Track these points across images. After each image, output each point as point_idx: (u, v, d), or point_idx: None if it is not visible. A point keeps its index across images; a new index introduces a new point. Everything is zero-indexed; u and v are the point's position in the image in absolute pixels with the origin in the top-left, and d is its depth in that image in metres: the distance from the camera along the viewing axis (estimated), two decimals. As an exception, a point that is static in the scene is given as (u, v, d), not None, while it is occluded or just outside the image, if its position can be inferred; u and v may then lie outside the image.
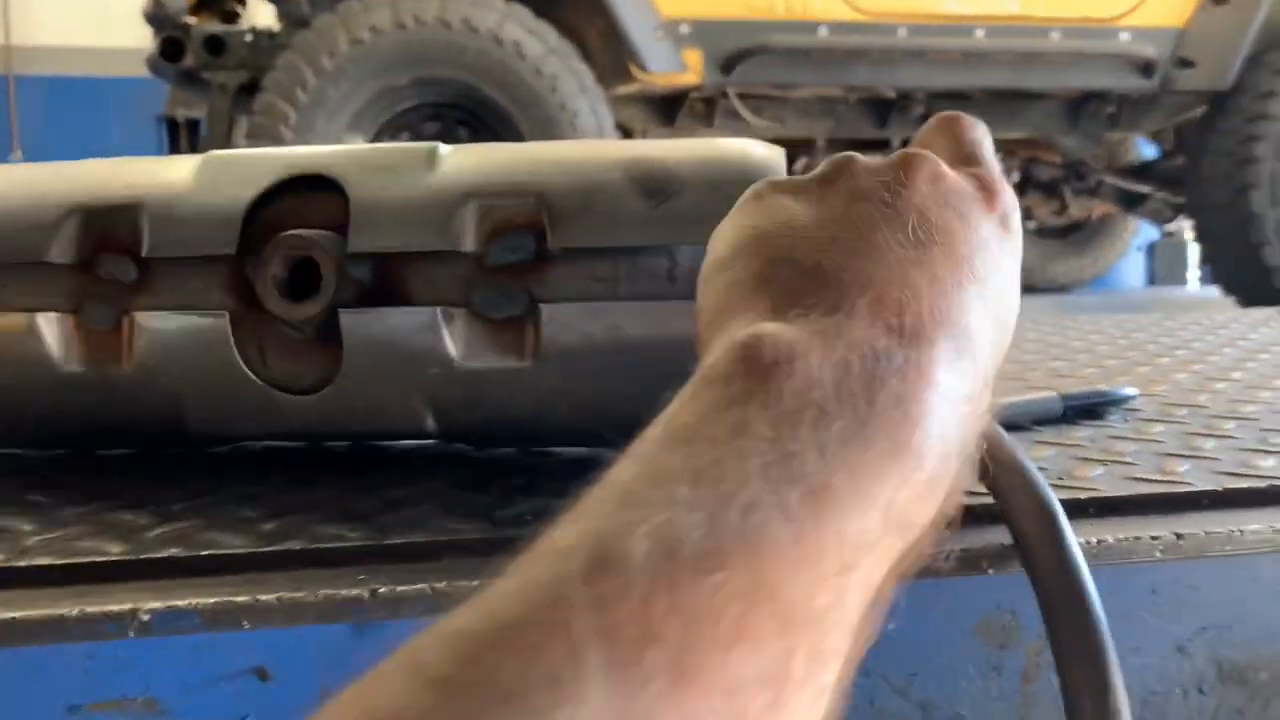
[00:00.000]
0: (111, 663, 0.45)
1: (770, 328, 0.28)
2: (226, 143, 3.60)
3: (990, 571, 0.44)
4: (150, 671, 0.46)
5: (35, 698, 0.45)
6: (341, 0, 3.19)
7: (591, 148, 0.54)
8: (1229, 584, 0.49)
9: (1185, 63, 3.79)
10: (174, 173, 0.54)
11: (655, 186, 0.50)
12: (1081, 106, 3.99)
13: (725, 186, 0.48)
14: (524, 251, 0.50)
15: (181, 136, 5.40)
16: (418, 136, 3.33)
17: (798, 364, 0.26)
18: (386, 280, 0.51)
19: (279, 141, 3.08)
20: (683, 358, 0.52)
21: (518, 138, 3.26)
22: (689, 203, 0.49)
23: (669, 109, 3.74)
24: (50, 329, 0.52)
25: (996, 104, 3.90)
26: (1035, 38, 3.65)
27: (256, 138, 3.15)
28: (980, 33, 3.60)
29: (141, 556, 0.43)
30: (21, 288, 0.52)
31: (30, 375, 0.53)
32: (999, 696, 0.49)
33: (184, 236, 0.51)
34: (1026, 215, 4.44)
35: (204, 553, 0.43)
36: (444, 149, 0.53)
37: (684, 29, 3.43)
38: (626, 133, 3.69)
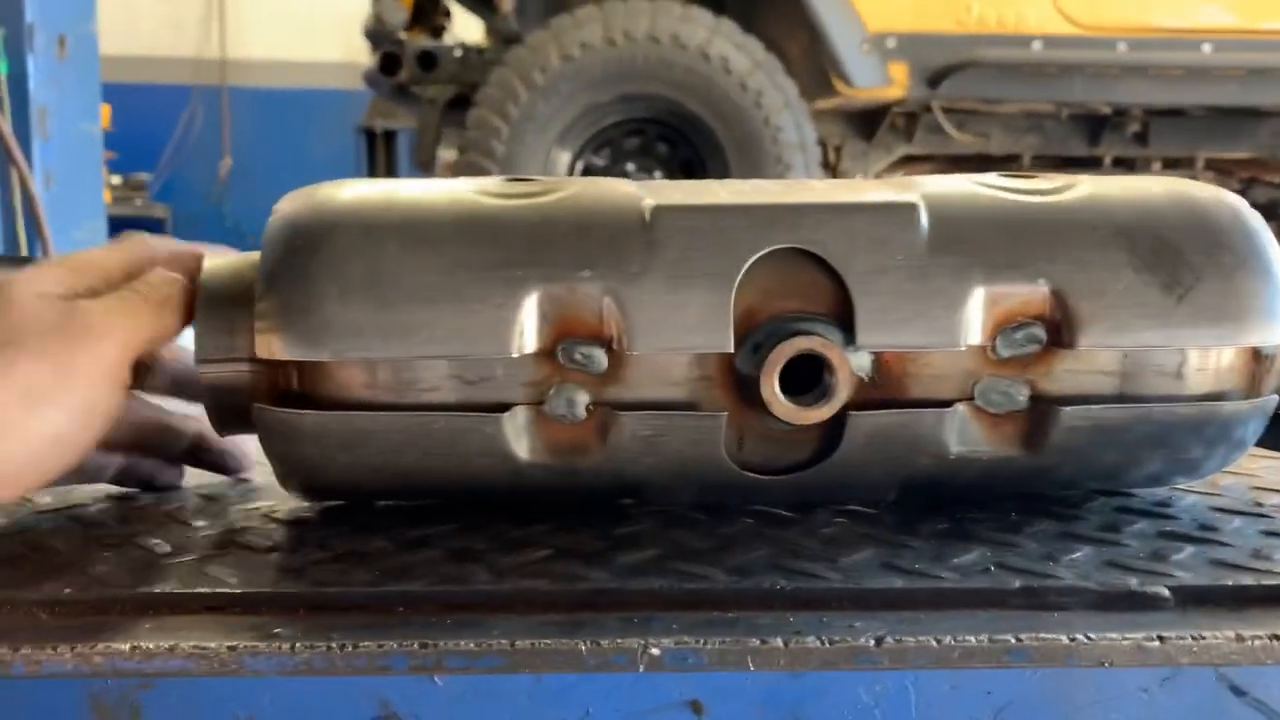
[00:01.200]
0: (556, 686, 0.46)
1: None
2: (433, 155, 3.73)
3: None
4: (591, 697, 0.46)
5: (484, 714, 0.46)
6: (553, 16, 3.26)
7: (1083, 210, 0.49)
8: None
9: None
10: (625, 233, 0.47)
11: (1172, 278, 0.47)
12: (1315, 125, 3.75)
13: (1240, 277, 0.47)
14: (1033, 345, 0.48)
15: (379, 147, 5.65)
16: (619, 152, 3.38)
17: None
18: (888, 374, 0.48)
19: (490, 156, 3.18)
20: (1184, 450, 0.50)
21: (719, 153, 3.27)
22: (1206, 296, 0.47)
23: (869, 123, 3.68)
24: (513, 423, 0.47)
25: (1219, 121, 3.69)
26: (1268, 52, 3.44)
27: (468, 152, 3.25)
28: (1207, 47, 3.41)
29: (629, 586, 0.43)
30: (483, 378, 0.47)
31: (489, 468, 0.49)
32: None
33: (667, 328, 0.46)
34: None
35: (689, 586, 0.43)
36: (922, 207, 0.48)
37: (890, 43, 3.38)
38: (823, 147, 3.65)
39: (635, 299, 0.46)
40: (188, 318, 0.51)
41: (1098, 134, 3.69)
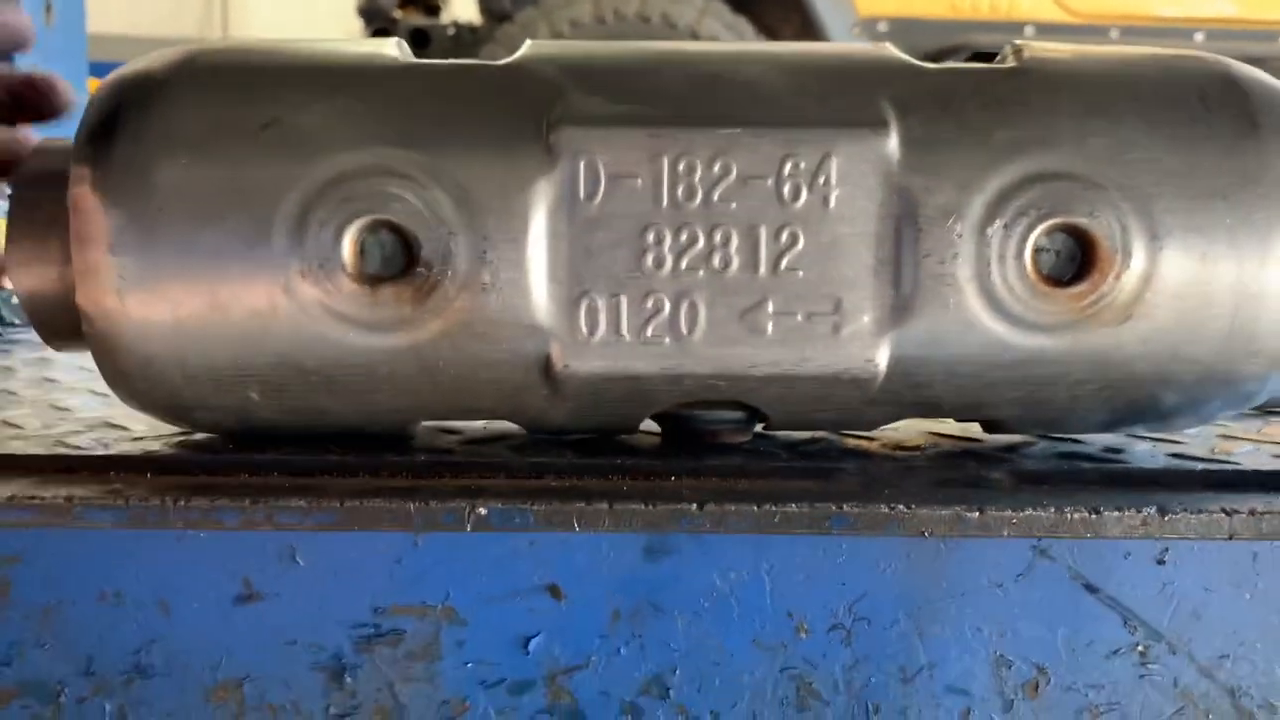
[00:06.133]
0: (416, 569, 0.47)
1: None
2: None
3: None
4: (451, 581, 0.47)
5: (344, 596, 0.47)
6: (544, -6, 3.27)
7: None
8: None
9: None
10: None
11: None
12: (1308, 116, 3.74)
13: None
14: None
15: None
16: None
17: None
18: None
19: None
20: None
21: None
22: None
23: (860, 109, 3.68)
24: None
25: (1212, 112, 3.68)
26: (1261, 42, 3.43)
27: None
28: (1200, 36, 3.40)
29: (474, 459, 0.44)
30: None
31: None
32: (1318, 686, 0.46)
33: None
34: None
35: (533, 459, 0.44)
36: None
37: (882, 27, 3.38)
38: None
39: None
40: None
41: (1090, 122, 3.68)
